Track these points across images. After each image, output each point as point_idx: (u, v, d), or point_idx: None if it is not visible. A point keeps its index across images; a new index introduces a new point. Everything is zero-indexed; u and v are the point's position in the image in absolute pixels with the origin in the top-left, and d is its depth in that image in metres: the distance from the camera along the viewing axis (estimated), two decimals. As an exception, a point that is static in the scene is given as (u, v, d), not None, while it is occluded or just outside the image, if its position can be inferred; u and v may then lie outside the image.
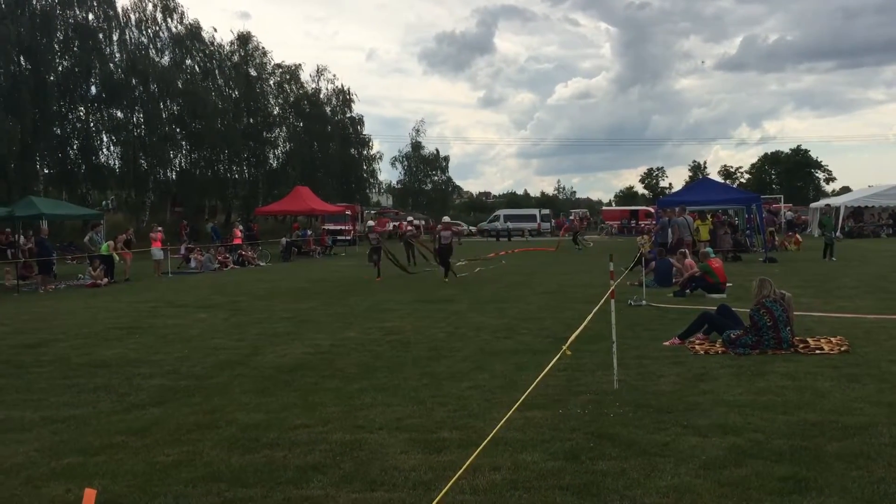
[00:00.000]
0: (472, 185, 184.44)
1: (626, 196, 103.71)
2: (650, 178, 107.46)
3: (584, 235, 43.29)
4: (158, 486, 4.86)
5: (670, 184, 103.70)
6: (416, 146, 79.32)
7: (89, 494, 4.57)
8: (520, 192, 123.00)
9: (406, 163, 79.76)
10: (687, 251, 17.74)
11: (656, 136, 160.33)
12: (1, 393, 7.73)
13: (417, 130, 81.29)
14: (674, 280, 16.30)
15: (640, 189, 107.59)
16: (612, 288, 7.39)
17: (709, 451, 5.24)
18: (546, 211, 68.53)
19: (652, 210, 50.64)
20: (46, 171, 43.37)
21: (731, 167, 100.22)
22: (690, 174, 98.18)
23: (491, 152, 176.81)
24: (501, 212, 66.54)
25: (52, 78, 40.41)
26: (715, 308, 10.06)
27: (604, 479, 4.78)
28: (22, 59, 39.08)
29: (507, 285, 18.42)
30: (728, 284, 15.19)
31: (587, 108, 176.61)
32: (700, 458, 5.12)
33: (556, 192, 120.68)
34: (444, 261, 20.96)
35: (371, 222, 26.53)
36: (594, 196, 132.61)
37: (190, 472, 5.14)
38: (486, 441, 4.68)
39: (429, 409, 6.63)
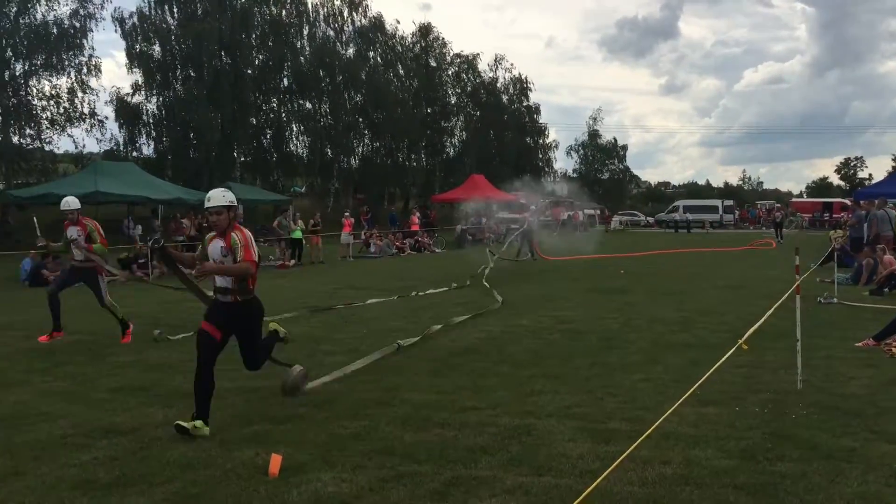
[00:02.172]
0: (650, 175, 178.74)
1: (819, 187, 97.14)
2: (847, 168, 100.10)
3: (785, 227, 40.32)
4: (337, 457, 5.15)
5: (870, 175, 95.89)
6: (593, 135, 78.13)
7: (276, 459, 4.94)
8: (701, 182, 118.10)
9: (582, 152, 78.83)
10: (886, 247, 16.45)
11: (856, 123, 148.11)
12: (201, 362, 8.40)
13: (595, 119, 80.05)
14: (873, 277, 15.16)
15: (835, 180, 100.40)
16: (796, 283, 7.00)
17: (902, 461, 4.87)
18: (729, 202, 65.41)
19: (848, 202, 47.21)
20: (242, 159, 46.57)
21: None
22: (894, 164, 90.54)
23: (671, 141, 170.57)
24: (681, 202, 64.16)
25: (249, 71, 43.32)
26: (916, 308, 9.28)
27: (782, 481, 4.57)
28: (223, 54, 42.14)
29: (686, 277, 17.82)
30: (933, 284, 13.93)
31: (779, 94, 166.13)
32: (892, 466, 4.78)
33: (740, 182, 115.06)
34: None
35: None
36: (783, 187, 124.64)
37: (366, 444, 5.40)
38: (650, 429, 4.59)
39: (598, 398, 6.58)
